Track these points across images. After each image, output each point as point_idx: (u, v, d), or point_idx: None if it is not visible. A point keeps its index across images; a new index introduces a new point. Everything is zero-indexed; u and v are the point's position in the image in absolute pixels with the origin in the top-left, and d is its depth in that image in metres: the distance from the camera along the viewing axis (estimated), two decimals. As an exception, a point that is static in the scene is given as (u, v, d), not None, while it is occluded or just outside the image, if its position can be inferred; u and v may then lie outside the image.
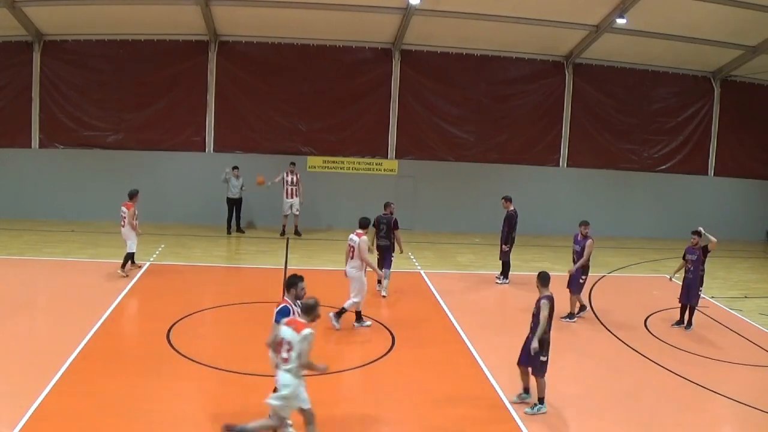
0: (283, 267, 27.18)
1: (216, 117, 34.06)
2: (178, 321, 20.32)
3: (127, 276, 24.28)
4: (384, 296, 23.73)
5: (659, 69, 37.92)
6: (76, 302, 21.82)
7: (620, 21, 30.93)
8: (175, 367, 17.31)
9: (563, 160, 37.56)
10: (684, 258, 23.77)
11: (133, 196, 24.80)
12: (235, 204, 32.62)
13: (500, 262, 27.59)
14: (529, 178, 35.95)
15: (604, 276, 29.26)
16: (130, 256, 24.82)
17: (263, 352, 16.61)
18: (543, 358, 16.18)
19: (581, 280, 23.74)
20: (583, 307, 23.94)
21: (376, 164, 34.93)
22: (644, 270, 30.06)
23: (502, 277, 27.58)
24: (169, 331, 19.47)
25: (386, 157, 35.19)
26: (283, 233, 32.13)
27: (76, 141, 34.21)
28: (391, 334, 20.51)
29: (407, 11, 30.59)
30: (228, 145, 34.12)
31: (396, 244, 24.54)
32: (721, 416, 17.67)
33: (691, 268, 23.50)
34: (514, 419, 15.65)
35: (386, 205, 25.63)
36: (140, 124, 34.26)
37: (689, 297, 23.46)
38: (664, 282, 26.74)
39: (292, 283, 14.62)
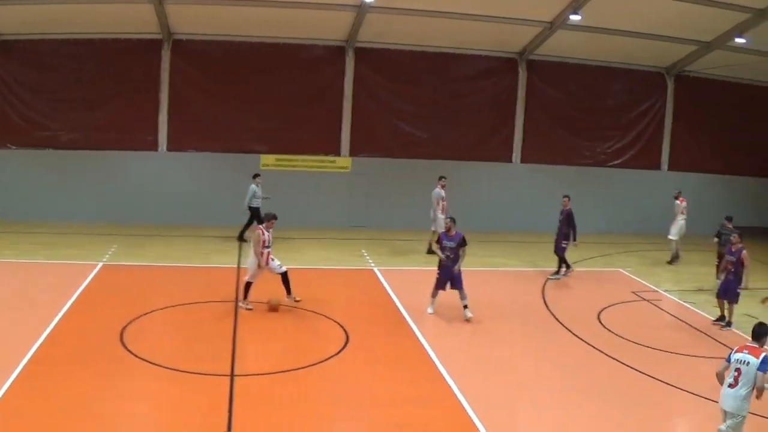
0: (236, 266, 27.47)
1: (169, 116, 34.33)
2: (131, 322, 20.49)
3: None
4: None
5: (613, 65, 38.90)
6: (29, 304, 21.97)
7: (574, 17, 31.64)
8: (129, 369, 17.48)
9: (517, 157, 38.34)
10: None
11: None
12: (257, 212, 31.88)
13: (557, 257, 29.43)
14: (482, 175, 36.55)
15: (557, 271, 29.78)
16: None
17: (217, 352, 17.09)
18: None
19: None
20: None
21: (330, 162, 35.28)
22: (598, 264, 30.84)
23: (564, 270, 29.41)
24: (122, 332, 19.63)
25: (339, 155, 35.52)
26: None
27: (28, 141, 34.45)
28: (345, 331, 20.89)
29: (361, 9, 31.02)
30: (181, 144, 34.46)
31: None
32: (678, 409, 18.50)
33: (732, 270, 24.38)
34: (469, 415, 16.16)
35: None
36: (93, 123, 34.47)
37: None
38: (618, 276, 27.45)
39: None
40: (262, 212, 29.58)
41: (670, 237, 32.86)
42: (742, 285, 24.19)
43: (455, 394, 17.15)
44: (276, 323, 21.49)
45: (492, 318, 23.48)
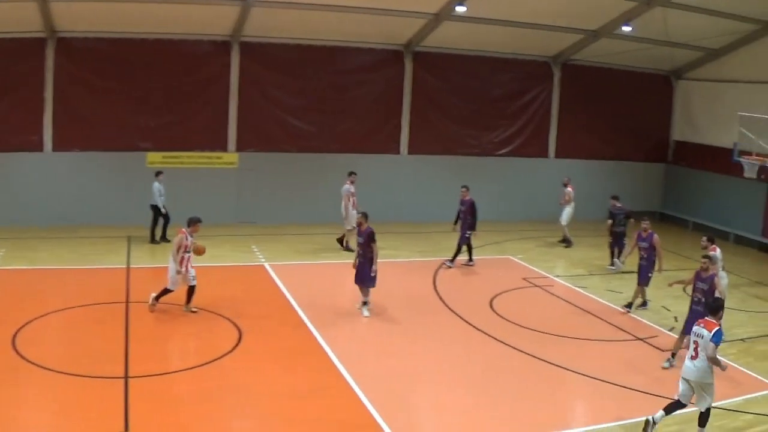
0: (126, 266, 27.22)
1: (54, 115, 33.42)
2: (23, 326, 20.19)
3: None
4: None
5: (500, 55, 39.26)
6: None
7: (460, 9, 31.69)
8: (22, 374, 17.28)
9: (404, 148, 38.42)
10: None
11: None
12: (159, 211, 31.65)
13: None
14: (370, 167, 36.53)
15: (447, 260, 30.04)
16: None
17: (111, 353, 16.98)
18: None
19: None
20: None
21: (216, 158, 35.01)
22: (488, 252, 31.22)
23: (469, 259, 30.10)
24: (14, 337, 19.36)
25: (226, 151, 35.28)
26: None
27: None
28: (238, 328, 20.99)
29: (246, 3, 30.76)
30: (67, 144, 33.59)
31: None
32: (570, 391, 19.09)
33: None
34: (365, 405, 16.58)
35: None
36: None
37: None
38: (509, 263, 27.87)
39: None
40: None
41: (563, 223, 33.48)
42: (656, 268, 25.06)
43: (350, 385, 17.57)
44: (169, 323, 21.43)
45: (385, 308, 23.83)
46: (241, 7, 30.89)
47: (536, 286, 28.01)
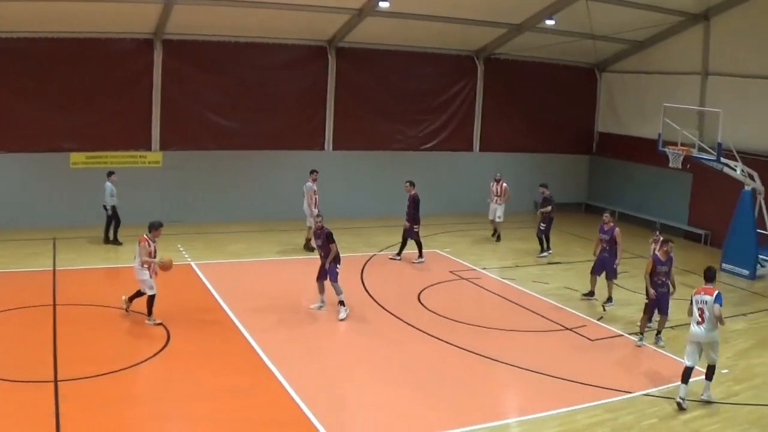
0: (52, 269, 26.92)
1: (-27, 117, 33.01)
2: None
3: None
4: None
5: (424, 50, 39.43)
6: None
7: (383, 4, 31.73)
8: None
9: (329, 144, 38.43)
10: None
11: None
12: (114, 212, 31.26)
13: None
14: (295, 163, 36.40)
15: (374, 255, 30.21)
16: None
17: (39, 358, 16.89)
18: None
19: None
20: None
21: (140, 157, 34.71)
22: (414, 246, 31.03)
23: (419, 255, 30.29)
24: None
25: (150, 150, 35.01)
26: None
27: None
28: (166, 328, 20.90)
29: (169, 0, 30.41)
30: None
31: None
32: (504, 383, 19.29)
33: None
34: (296, 403, 16.61)
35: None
36: None
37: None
38: (436, 256, 28.08)
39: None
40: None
41: (500, 220, 33.67)
42: (617, 261, 25.49)
43: (281, 383, 17.61)
44: (96, 325, 21.22)
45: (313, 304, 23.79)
46: (163, 4, 30.61)
47: (464, 278, 28.21)
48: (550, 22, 34.35)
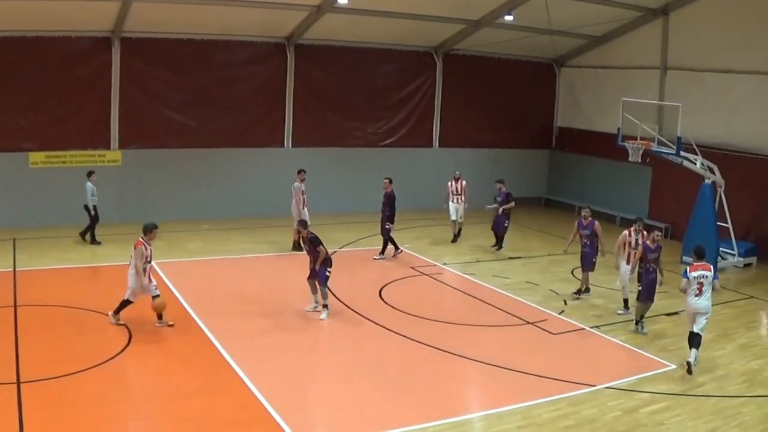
0: (12, 269, 26.71)
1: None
2: None
3: None
4: None
5: (383, 46, 39.54)
6: None
7: (341, 1, 31.85)
8: None
9: (288, 141, 38.36)
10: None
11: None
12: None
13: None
14: (255, 161, 36.66)
15: (334, 252, 30.16)
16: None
17: (2, 359, 16.84)
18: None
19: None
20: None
21: (99, 156, 34.48)
22: (375, 242, 31.18)
23: (394, 251, 30.57)
24: None
25: (109, 149, 34.81)
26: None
27: None
28: (128, 328, 20.76)
29: (126, -2, 30.34)
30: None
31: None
32: (467, 378, 19.38)
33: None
34: (259, 401, 16.59)
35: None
36: None
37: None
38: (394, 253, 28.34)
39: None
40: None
41: (462, 219, 33.60)
42: (602, 254, 25.96)
43: (244, 382, 17.55)
44: (58, 326, 21.09)
45: (276, 303, 23.93)
46: (122, 2, 30.45)
47: (425, 274, 28.31)
48: (508, 18, 34.56)
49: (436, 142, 42.39)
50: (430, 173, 39.72)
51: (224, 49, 36.07)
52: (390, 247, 30.63)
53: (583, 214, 26.22)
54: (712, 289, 20.00)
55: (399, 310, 23.67)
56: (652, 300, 22.75)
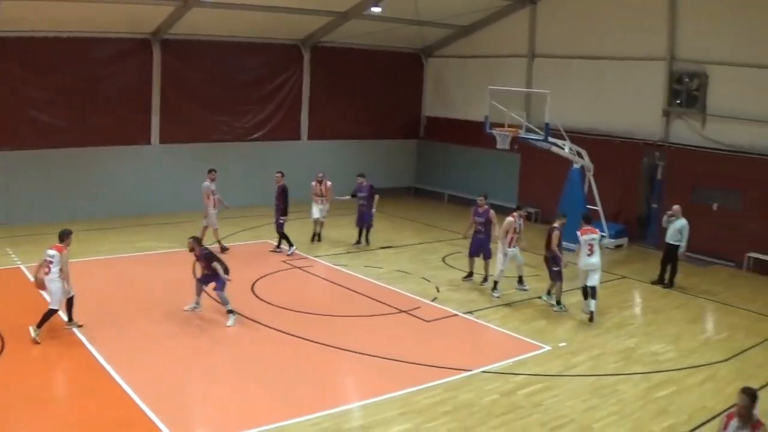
0: None
1: None
2: None
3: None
4: None
5: (249, 40, 39.25)
6: None
7: (207, -4, 31.51)
8: None
9: (156, 138, 37.82)
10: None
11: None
12: None
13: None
14: (123, 159, 36.05)
15: (278, 246, 30.01)
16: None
17: None
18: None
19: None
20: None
21: (-37, 159, 33.66)
22: (246, 237, 31.13)
23: (289, 247, 30.28)
24: None
25: (-29, 151, 33.93)
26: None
27: None
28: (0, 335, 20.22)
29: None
30: None
31: None
32: (343, 369, 19.47)
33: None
34: (136, 402, 16.32)
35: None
36: None
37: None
38: (267, 247, 28.20)
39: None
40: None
41: (323, 219, 33.05)
42: (495, 241, 26.16)
43: (119, 384, 17.23)
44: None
45: (148, 302, 23.56)
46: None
47: (296, 267, 28.33)
48: (376, 10, 34.61)
49: (304, 135, 42.31)
50: (299, 166, 39.44)
51: (90, 46, 35.21)
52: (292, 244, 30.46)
53: (478, 201, 26.68)
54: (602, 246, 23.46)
55: (272, 304, 23.60)
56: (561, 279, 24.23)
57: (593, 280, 23.11)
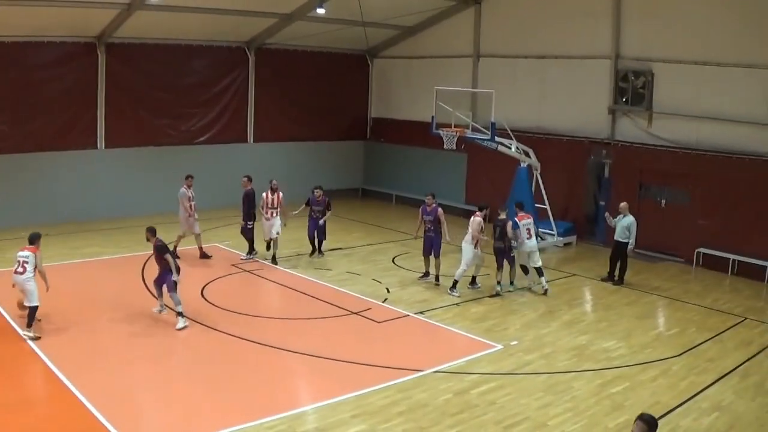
0: None
1: None
2: None
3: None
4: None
5: (194, 43, 39.09)
6: None
7: (152, -1, 31.33)
8: None
9: (101, 142, 37.38)
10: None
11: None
12: None
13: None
14: (68, 164, 35.61)
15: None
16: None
17: None
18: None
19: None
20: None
21: None
22: (191, 242, 30.57)
23: (248, 253, 29.98)
24: None
25: None
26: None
27: None
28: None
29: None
30: None
31: None
32: (295, 372, 19.33)
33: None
34: (89, 410, 16.08)
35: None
36: None
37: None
38: (216, 250, 28.02)
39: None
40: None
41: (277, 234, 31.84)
42: (445, 239, 26.56)
43: (71, 391, 17.00)
44: None
45: (95, 308, 23.26)
46: None
47: (246, 271, 28.22)
48: (320, 11, 34.44)
49: (251, 137, 42.17)
50: (245, 169, 38.93)
51: (33, 50, 34.80)
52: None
53: (426, 200, 26.72)
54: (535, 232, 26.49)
55: (222, 308, 23.45)
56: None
57: (537, 261, 26.14)
